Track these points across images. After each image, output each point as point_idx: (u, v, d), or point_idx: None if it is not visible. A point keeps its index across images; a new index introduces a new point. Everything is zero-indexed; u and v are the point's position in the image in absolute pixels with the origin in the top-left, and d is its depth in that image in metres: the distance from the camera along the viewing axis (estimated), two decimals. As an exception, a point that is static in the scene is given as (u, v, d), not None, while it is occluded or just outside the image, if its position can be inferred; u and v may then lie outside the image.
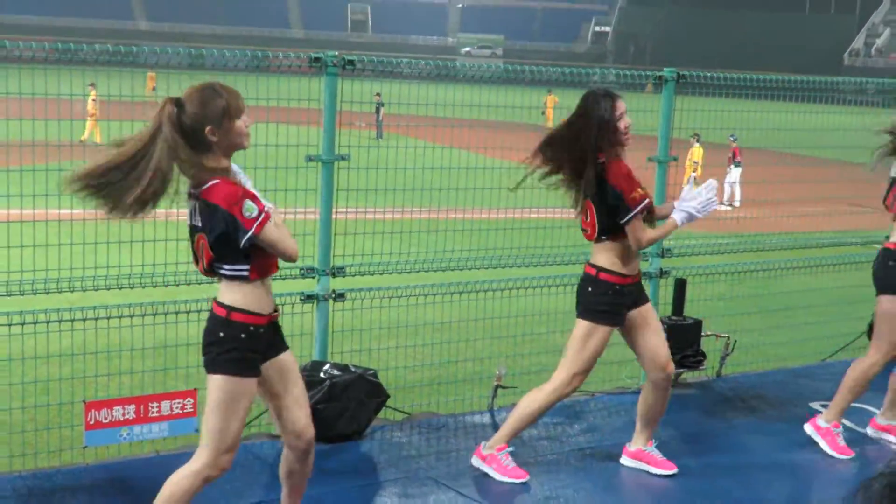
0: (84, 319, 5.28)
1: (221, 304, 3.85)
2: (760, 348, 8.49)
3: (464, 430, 6.11)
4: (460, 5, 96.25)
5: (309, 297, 5.93)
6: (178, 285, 5.61)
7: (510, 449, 5.37)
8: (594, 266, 5.19)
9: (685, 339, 6.92)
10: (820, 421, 5.97)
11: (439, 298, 6.50)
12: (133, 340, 5.60)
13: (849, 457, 5.85)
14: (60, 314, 5.22)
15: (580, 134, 5.00)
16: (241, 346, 3.83)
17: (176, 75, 5.19)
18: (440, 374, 7.44)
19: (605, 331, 5.19)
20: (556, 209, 6.66)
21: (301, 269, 5.85)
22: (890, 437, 6.15)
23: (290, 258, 3.87)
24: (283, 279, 5.65)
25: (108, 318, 5.36)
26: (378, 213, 6.73)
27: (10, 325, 5.17)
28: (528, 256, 6.82)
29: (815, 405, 6.61)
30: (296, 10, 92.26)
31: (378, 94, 20.43)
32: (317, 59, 5.73)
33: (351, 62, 5.81)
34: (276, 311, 4.00)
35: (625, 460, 5.59)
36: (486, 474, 5.34)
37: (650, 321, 5.29)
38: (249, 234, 3.69)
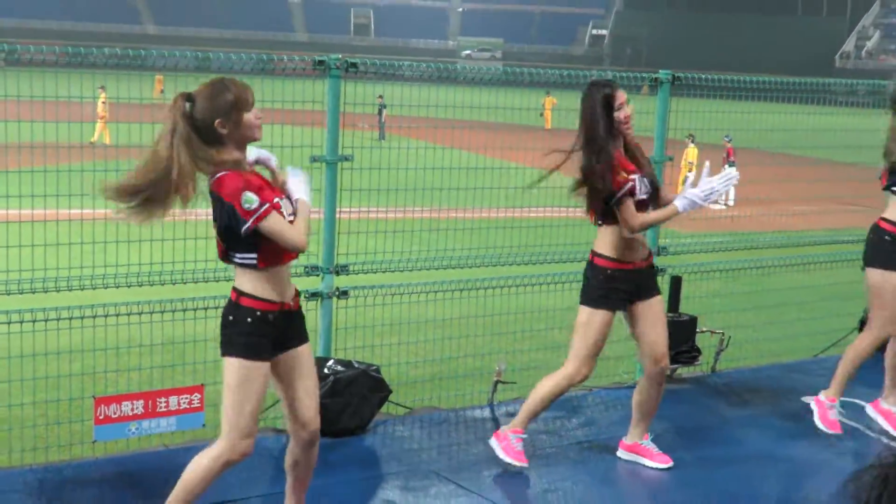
0: (94, 317, 5.36)
1: (234, 289, 3.99)
2: (754, 344, 8.53)
3: (464, 424, 6.18)
4: (461, 9, 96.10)
5: (313, 295, 5.98)
6: (185, 283, 5.68)
7: (524, 436, 5.46)
8: (592, 251, 5.27)
9: (681, 336, 6.96)
10: (821, 394, 6.11)
11: (441, 296, 6.56)
12: (141, 337, 5.67)
13: (835, 432, 5.96)
14: (71, 311, 5.28)
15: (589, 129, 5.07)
16: (248, 329, 3.92)
17: (183, 78, 5.21)
18: (441, 369, 7.48)
19: (603, 315, 5.20)
20: (554, 208, 6.78)
21: (305, 266, 5.92)
22: (885, 425, 6.21)
23: (296, 248, 3.92)
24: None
25: (117, 316, 5.43)
26: (381, 212, 6.76)
27: (21, 322, 5.23)
28: (527, 254, 6.88)
29: (808, 399, 6.72)
30: (300, 15, 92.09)
31: (381, 97, 20.39)
32: (321, 62, 5.80)
33: (354, 65, 5.86)
34: (293, 300, 4.06)
35: (621, 453, 5.66)
36: (485, 468, 5.44)
37: (655, 314, 5.31)
38: (246, 225, 3.79)
